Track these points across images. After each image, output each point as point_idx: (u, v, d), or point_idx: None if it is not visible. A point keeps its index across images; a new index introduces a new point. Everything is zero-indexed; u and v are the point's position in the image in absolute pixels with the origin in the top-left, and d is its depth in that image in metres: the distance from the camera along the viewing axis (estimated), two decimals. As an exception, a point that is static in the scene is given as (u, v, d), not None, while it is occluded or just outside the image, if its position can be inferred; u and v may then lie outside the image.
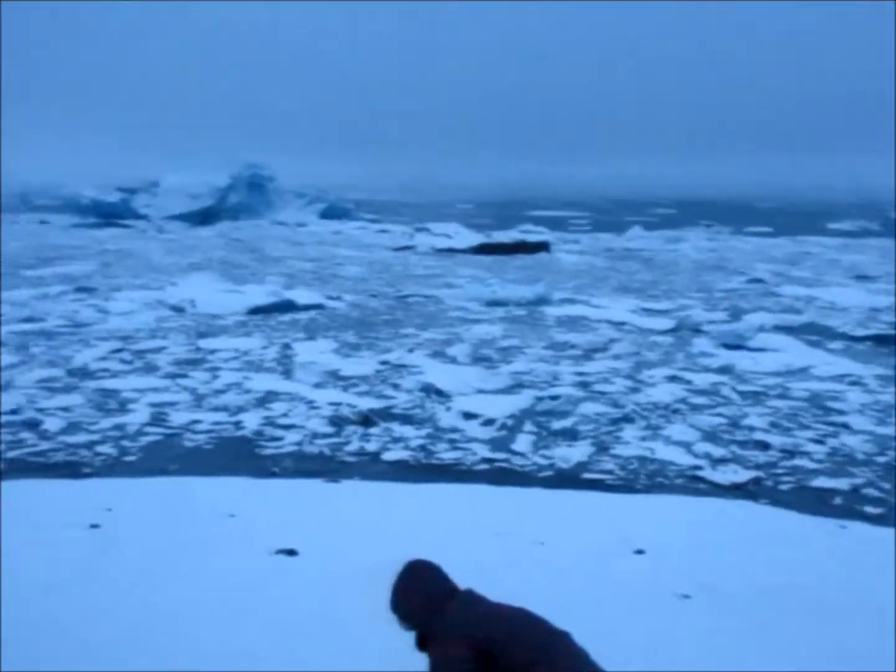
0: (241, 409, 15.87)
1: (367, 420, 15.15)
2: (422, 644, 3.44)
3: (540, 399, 16.70)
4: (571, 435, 14.58)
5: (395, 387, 17.68)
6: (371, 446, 13.82)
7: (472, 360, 20.31)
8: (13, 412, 15.37)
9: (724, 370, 19.63)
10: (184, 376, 18.32)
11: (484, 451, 13.65)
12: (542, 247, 51.13)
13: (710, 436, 14.59)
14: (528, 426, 15.04)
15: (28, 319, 24.80)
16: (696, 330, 24.81)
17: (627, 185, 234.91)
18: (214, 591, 5.82)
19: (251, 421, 15.13)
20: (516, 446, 13.91)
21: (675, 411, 16.10)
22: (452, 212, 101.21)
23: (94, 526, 7.70)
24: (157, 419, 15.20)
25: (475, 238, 52.44)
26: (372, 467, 12.81)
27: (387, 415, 15.63)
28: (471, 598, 3.45)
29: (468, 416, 15.56)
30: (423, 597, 3.44)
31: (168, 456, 13.31)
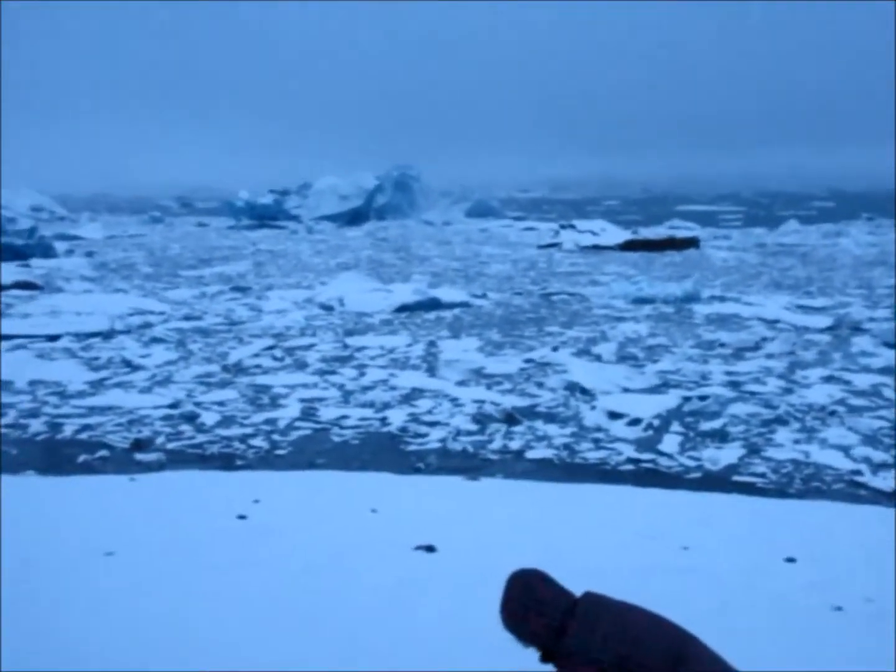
0: (386, 406, 16.10)
1: (510, 418, 15.10)
2: (547, 658, 3.25)
3: (688, 399, 16.25)
4: (721, 436, 14.11)
5: (540, 385, 17.57)
6: (514, 444, 13.77)
7: (618, 358, 19.97)
8: (173, 406, 16.10)
9: (886, 370, 18.59)
10: (332, 373, 18.75)
11: (629, 451, 13.38)
12: (692, 243, 49.86)
13: (871, 439, 13.84)
14: (676, 426, 14.65)
15: (187, 317, 25.95)
16: (856, 328, 23.61)
17: (782, 176, 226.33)
18: (354, 585, 5.89)
19: (396, 417, 15.33)
20: (663, 447, 13.57)
21: (833, 413, 15.35)
22: (599, 208, 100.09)
23: (242, 517, 7.96)
24: (307, 414, 15.61)
25: (622, 235, 51.64)
26: (515, 465, 12.75)
27: (531, 413, 15.55)
28: (593, 609, 3.23)
29: (613, 415, 15.29)
30: (543, 618, 3.16)
31: (316, 450, 13.64)
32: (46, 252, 44.62)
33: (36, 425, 14.96)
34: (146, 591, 5.76)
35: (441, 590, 5.81)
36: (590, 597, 3.23)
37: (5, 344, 21.80)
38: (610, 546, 7.18)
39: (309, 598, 5.59)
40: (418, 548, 6.86)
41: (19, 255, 43.14)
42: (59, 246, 47.92)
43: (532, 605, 3.17)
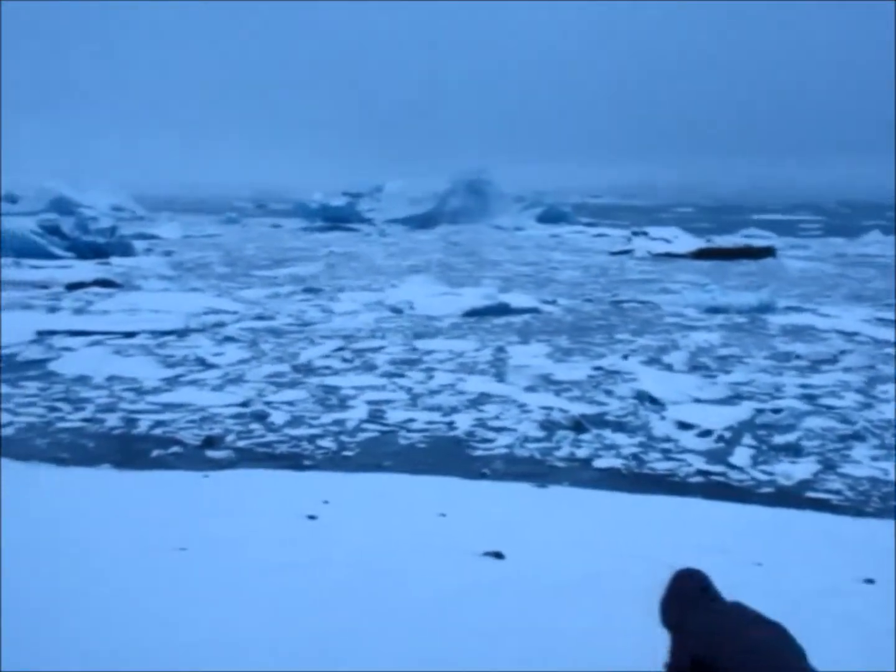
0: (454, 410, 16.10)
1: (578, 425, 14.98)
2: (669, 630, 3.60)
3: (761, 411, 15.92)
4: (795, 451, 13.78)
5: (609, 393, 17.39)
6: (582, 452, 13.65)
7: (689, 368, 19.66)
8: (244, 404, 16.33)
9: (972, 388, 17.97)
10: (400, 376, 18.83)
11: (699, 463, 13.15)
12: (768, 252, 48.92)
13: (954, 459, 13.37)
14: (748, 439, 14.36)
15: (260, 317, 26.33)
16: (939, 343, 22.87)
17: (865, 187, 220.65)
18: (422, 589, 5.89)
19: (463, 422, 15.32)
20: (734, 460, 13.31)
21: (913, 430, 14.88)
22: (672, 216, 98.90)
23: (312, 517, 8.03)
24: (375, 416, 15.69)
25: (695, 242, 50.89)
26: (582, 474, 12.63)
27: (599, 421, 15.39)
28: (722, 608, 3.42)
29: (683, 425, 15.05)
30: (679, 602, 3.46)
31: (383, 452, 13.70)
32: (126, 251, 45.70)
33: (112, 420, 15.31)
34: (218, 588, 5.83)
35: (509, 597, 5.77)
36: (736, 604, 3.46)
37: (84, 339, 22.37)
38: (680, 559, 7.05)
39: (378, 600, 5.60)
40: (486, 554, 6.84)
41: (100, 253, 44.28)
42: (139, 245, 49.04)
43: (676, 593, 3.54)
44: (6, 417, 15.37)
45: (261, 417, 15.51)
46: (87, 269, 37.92)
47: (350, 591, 5.76)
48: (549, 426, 15.04)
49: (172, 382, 18.13)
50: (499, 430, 14.89)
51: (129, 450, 13.79)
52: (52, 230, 45.78)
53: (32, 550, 6.77)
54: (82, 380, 18.21)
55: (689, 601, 3.49)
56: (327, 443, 14.14)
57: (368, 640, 4.99)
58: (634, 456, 13.49)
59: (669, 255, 47.97)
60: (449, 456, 13.55)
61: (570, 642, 5.11)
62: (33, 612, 5.29)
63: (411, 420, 15.43)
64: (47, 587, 5.75)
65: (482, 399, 16.90)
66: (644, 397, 16.85)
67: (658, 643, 3.68)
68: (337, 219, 75.40)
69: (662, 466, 13.02)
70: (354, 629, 5.11)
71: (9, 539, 7.15)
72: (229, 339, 22.85)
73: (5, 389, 17.34)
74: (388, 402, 16.68)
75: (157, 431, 14.71)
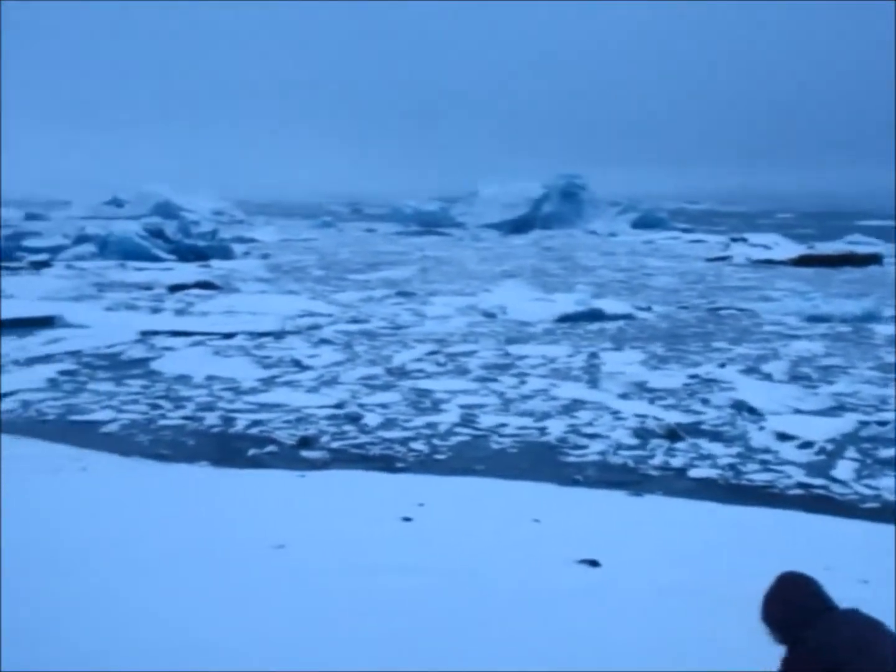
0: (546, 416, 16.00)
1: (673, 434, 14.72)
2: (782, 642, 3.43)
3: (865, 423, 15.39)
4: (901, 465, 13.27)
5: (705, 402, 17.04)
6: (676, 461, 13.40)
7: (789, 377, 19.13)
8: (338, 406, 16.54)
9: None
10: (493, 380, 18.81)
11: (799, 476, 12.78)
12: (873, 259, 47.30)
13: None
14: (851, 452, 13.89)
15: (354, 320, 26.65)
16: None
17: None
18: (518, 595, 5.86)
19: (556, 428, 15.21)
20: (836, 473, 12.89)
21: None
22: (772, 221, 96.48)
23: (407, 519, 8.07)
24: (467, 420, 15.70)
25: (796, 249, 49.55)
26: (677, 483, 12.41)
27: (694, 430, 15.10)
28: (843, 618, 3.29)
29: (783, 436, 14.65)
30: (790, 608, 3.36)
31: (475, 456, 13.70)
32: (225, 254, 46.83)
33: (211, 418, 15.69)
34: (315, 587, 5.91)
35: (605, 605, 5.69)
36: (854, 611, 3.33)
37: (185, 340, 22.99)
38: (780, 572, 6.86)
39: (475, 604, 5.59)
40: (582, 561, 6.76)
41: (201, 256, 45.48)
42: (237, 248, 50.17)
43: (785, 597, 3.43)
44: (111, 414, 15.90)
45: (354, 419, 15.68)
46: (188, 272, 38.99)
47: (446, 595, 5.75)
48: (642, 434, 14.82)
49: (269, 383, 18.48)
50: (592, 436, 14.74)
51: (227, 448, 14.11)
52: (156, 234, 47.25)
53: (134, 545, 6.97)
54: (183, 379, 18.71)
55: (804, 610, 3.35)
56: (420, 445, 14.22)
57: (465, 644, 4.98)
58: (731, 466, 13.18)
59: (769, 262, 46.78)
60: (541, 461, 13.47)
61: (666, 652, 5.02)
62: (135, 607, 5.43)
63: (503, 425, 15.39)
64: (148, 582, 5.90)
65: (575, 405, 16.76)
66: (742, 407, 16.46)
67: (761, 655, 3.58)
68: (430, 223, 75.84)
69: (761, 478, 12.70)
70: (450, 632, 5.10)
71: (111, 534, 7.37)
72: (324, 341, 23.18)
73: (111, 387, 17.94)
74: (480, 406, 16.68)
75: (254, 431, 15.01)
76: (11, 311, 25.98)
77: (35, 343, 22.27)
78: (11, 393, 17.25)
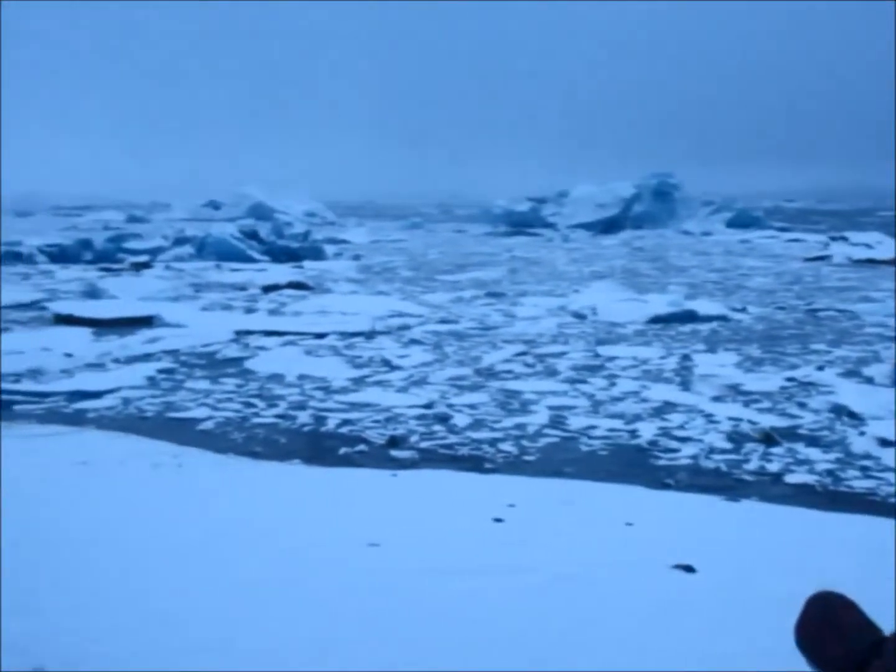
0: (637, 418, 15.79)
1: (769, 438, 14.35)
2: None
3: (974, 430, 14.74)
4: None
5: (802, 405, 16.58)
6: (772, 466, 13.06)
7: (892, 381, 18.45)
8: (427, 406, 16.61)
9: None
10: (582, 382, 18.64)
11: (903, 483, 12.31)
12: (982, 259, 45.31)
13: None
14: (959, 460, 13.32)
15: (443, 321, 26.74)
16: None
17: None
18: (611, 600, 5.79)
19: (646, 430, 15.00)
20: (943, 481, 12.38)
21: None
22: (873, 220, 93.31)
23: (498, 520, 8.06)
24: (556, 422, 15.60)
25: (900, 248, 47.80)
26: (772, 489, 12.08)
27: (791, 434, 14.70)
28: None
29: (886, 442, 14.12)
30: (842, 645, 2.92)
31: (564, 458, 13.60)
32: (317, 254, 47.52)
33: (302, 417, 15.94)
34: (409, 586, 5.93)
35: (701, 612, 5.58)
36: None
37: (278, 339, 23.41)
38: (884, 586, 6.62)
39: (569, 608, 5.54)
40: (677, 566, 6.64)
41: (294, 256, 46.26)
42: (329, 249, 50.82)
43: (831, 629, 2.89)
44: (206, 412, 16.29)
45: (443, 419, 15.73)
46: (281, 272, 39.69)
47: (540, 598, 5.72)
48: (737, 438, 14.50)
49: (359, 382, 18.68)
50: (684, 439, 14.48)
51: (318, 446, 14.31)
52: (251, 235, 48.25)
53: (229, 541, 7.11)
54: (275, 378, 19.05)
55: (860, 641, 2.87)
56: (508, 446, 14.18)
57: (561, 647, 4.94)
58: (830, 472, 12.79)
59: (871, 262, 45.22)
60: (631, 464, 13.29)
61: (766, 662, 4.89)
62: (231, 604, 5.53)
63: (593, 427, 15.25)
64: (241, 579, 6.00)
65: (666, 408, 16.49)
66: (841, 411, 15.95)
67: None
68: (520, 224, 75.59)
69: (861, 485, 12.28)
70: (545, 634, 5.06)
71: (207, 530, 7.54)
72: (414, 341, 23.32)
73: (206, 385, 18.39)
74: (569, 407, 16.55)
75: (344, 430, 15.19)
76: (113, 310, 26.90)
77: (135, 342, 22.96)
78: (113, 390, 17.82)
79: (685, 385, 18.34)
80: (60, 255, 45.03)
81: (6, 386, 17.97)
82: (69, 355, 21.05)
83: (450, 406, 16.64)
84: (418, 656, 4.74)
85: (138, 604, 5.32)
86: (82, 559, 6.54)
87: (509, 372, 19.67)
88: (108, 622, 5.00)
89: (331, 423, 15.54)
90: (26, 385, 18.19)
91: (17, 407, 16.66)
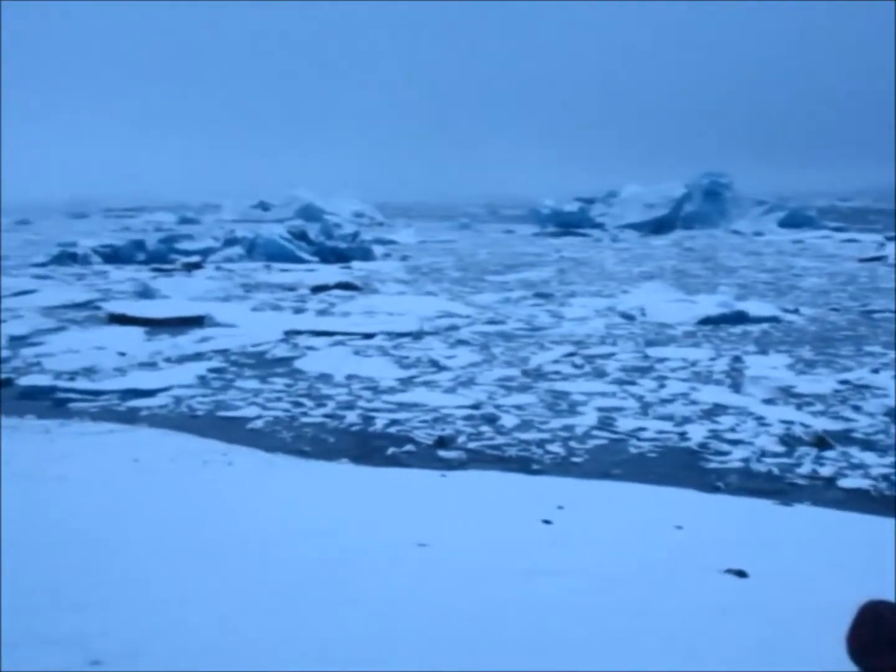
0: (686, 420, 15.63)
1: (822, 442, 14.11)
2: None
3: None
4: None
5: (856, 409, 16.28)
6: (825, 471, 12.84)
7: (950, 385, 18.05)
8: (474, 407, 16.60)
9: None
10: (631, 383, 18.50)
11: (962, 489, 12.03)
12: None
13: None
14: None
15: (491, 321, 26.71)
16: None
17: None
18: (661, 604, 5.72)
19: (696, 433, 14.84)
20: None
21: None
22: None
23: (547, 522, 8.02)
24: (604, 423, 15.50)
25: (958, 249, 46.73)
26: (825, 493, 11.88)
27: (844, 438, 14.44)
28: None
29: (943, 447, 13.83)
30: (893, 656, 2.84)
31: (613, 460, 13.50)
32: (366, 255, 47.73)
33: (351, 417, 16.03)
34: (458, 586, 5.93)
35: (753, 617, 5.50)
36: None
37: (327, 339, 23.56)
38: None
39: (621, 612, 5.50)
40: (728, 571, 6.56)
41: (342, 257, 46.53)
42: (377, 250, 51.03)
43: (882, 639, 2.82)
44: (256, 411, 16.45)
45: (491, 420, 15.71)
46: (330, 273, 39.94)
47: (590, 600, 5.68)
48: (788, 441, 14.28)
49: (407, 383, 18.72)
50: (734, 442, 14.31)
51: (366, 446, 14.37)
52: (300, 236, 48.65)
53: (278, 540, 7.16)
54: (324, 377, 19.18)
55: None
56: (556, 448, 14.12)
57: (609, 649, 4.90)
58: (885, 477, 12.53)
59: (928, 262, 44.27)
60: (681, 467, 13.16)
61: (812, 664, 4.81)
62: (276, 602, 5.57)
63: (642, 429, 15.12)
64: (291, 578, 6.05)
65: (717, 410, 16.30)
66: (897, 415, 15.64)
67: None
68: (569, 224, 75.24)
69: (918, 490, 12.02)
70: (593, 636, 5.03)
71: (256, 528, 7.60)
72: (461, 342, 23.33)
73: (256, 385, 18.57)
74: (618, 409, 16.44)
75: (392, 430, 15.23)
76: (165, 310, 27.30)
77: (187, 341, 23.26)
78: (165, 389, 18.07)
79: (736, 387, 18.12)
80: (114, 256, 45.80)
81: (62, 384, 18.33)
82: (122, 354, 21.40)
83: (497, 407, 16.62)
84: (467, 656, 4.74)
85: (191, 601, 5.38)
86: (135, 556, 6.63)
87: (557, 373, 19.59)
88: (163, 619, 5.06)
89: (379, 423, 15.60)
90: (81, 383, 18.52)
91: (72, 405, 16.98)
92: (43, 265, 43.76)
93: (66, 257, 44.74)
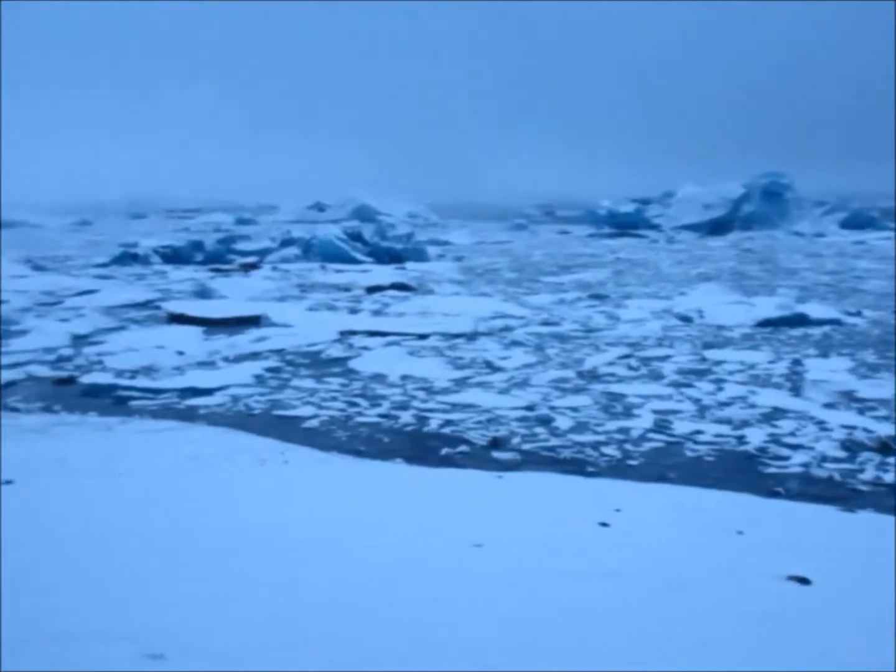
0: (744, 424, 15.39)
1: (885, 447, 13.80)
2: None
3: None
4: None
5: (922, 414, 15.89)
6: (890, 477, 12.55)
7: None
8: (529, 408, 16.54)
9: None
10: (688, 386, 18.28)
11: None
12: None
13: None
14: None
15: (546, 322, 26.61)
16: None
17: None
18: (727, 610, 5.62)
19: (755, 436, 14.60)
20: None
21: None
22: None
23: (604, 524, 7.96)
24: (660, 426, 15.33)
25: None
26: (889, 500, 11.61)
27: (910, 444, 14.09)
28: None
29: None
30: None
31: (669, 464, 13.35)
32: (420, 256, 47.91)
33: (405, 417, 16.06)
34: (514, 587, 5.90)
35: (816, 626, 5.38)
36: None
37: (381, 340, 23.66)
38: None
39: (673, 618, 5.42)
40: (791, 578, 6.44)
41: (397, 258, 46.77)
42: (432, 250, 51.22)
43: None
44: (311, 410, 16.57)
45: (545, 421, 15.64)
46: (384, 274, 40.15)
47: (649, 605, 5.60)
48: (851, 446, 13.98)
49: (461, 384, 18.72)
50: (794, 447, 14.05)
51: (420, 446, 14.39)
52: (355, 237, 49.03)
53: (333, 537, 7.19)
54: (378, 378, 19.26)
55: None
56: (611, 450, 14.00)
57: (668, 654, 4.84)
58: (952, 484, 12.21)
59: None
60: (739, 471, 12.95)
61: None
62: (334, 600, 5.59)
63: (699, 432, 14.93)
64: (347, 576, 6.06)
65: (776, 414, 16.03)
66: (964, 420, 15.24)
67: None
68: (625, 225, 74.80)
69: None
70: (652, 641, 4.97)
71: (310, 526, 7.64)
72: (516, 343, 23.26)
73: (311, 384, 18.71)
74: (674, 412, 16.25)
75: (446, 430, 15.24)
76: (223, 310, 27.67)
77: (244, 341, 23.54)
78: (222, 387, 18.31)
79: (796, 391, 17.81)
80: (173, 256, 46.60)
81: (123, 382, 18.66)
82: (181, 353, 21.73)
83: (552, 408, 16.53)
84: (523, 657, 4.71)
85: (248, 597, 5.42)
86: (191, 551, 6.71)
87: (612, 375, 19.43)
88: (220, 614, 5.11)
89: (433, 424, 15.61)
90: (141, 382, 18.84)
91: (132, 403, 17.28)
92: (104, 265, 44.72)
93: (127, 257, 45.65)
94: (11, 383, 18.97)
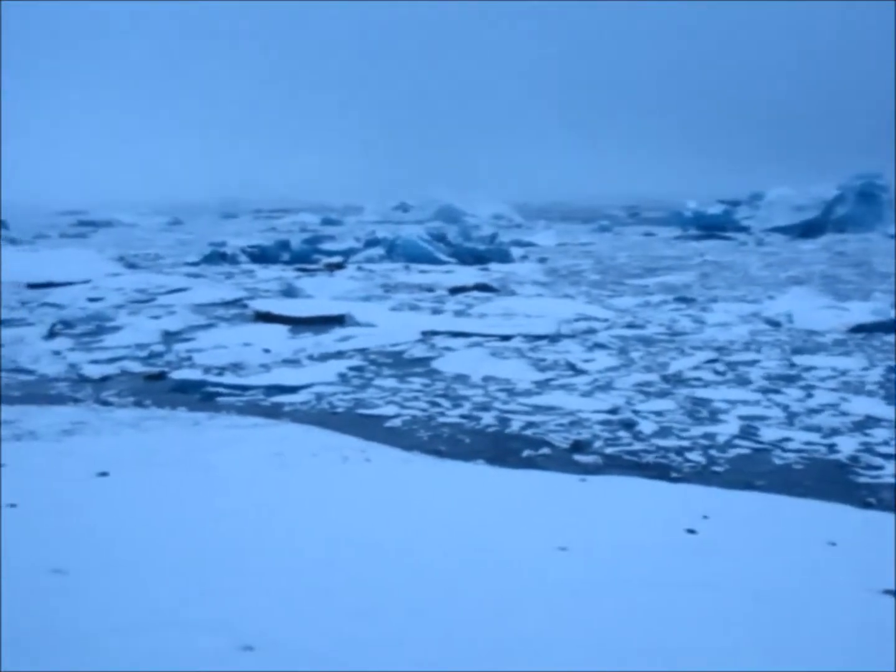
0: (835, 432, 14.97)
1: None
2: None
3: None
4: None
5: None
6: None
7: None
8: (612, 411, 16.36)
9: None
10: (776, 392, 17.86)
11: None
12: None
13: None
14: None
15: (630, 325, 26.29)
16: None
17: None
18: (821, 625, 5.49)
19: (846, 445, 14.18)
20: None
21: None
22: None
23: (691, 531, 7.85)
24: (747, 432, 15.02)
25: None
26: None
27: None
28: None
29: None
30: None
31: (756, 471, 13.06)
32: (504, 257, 47.80)
33: (487, 418, 16.05)
34: (599, 593, 5.86)
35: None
36: None
37: (464, 340, 23.70)
38: None
39: (763, 629, 5.32)
40: (886, 592, 6.27)
41: (480, 259, 46.74)
42: (515, 252, 51.05)
43: None
44: (394, 410, 16.69)
45: (628, 425, 15.46)
46: (468, 274, 40.20)
47: (739, 616, 5.50)
48: (950, 458, 13.47)
49: (543, 386, 18.63)
50: (888, 457, 13.60)
51: (502, 447, 14.36)
52: (439, 237, 49.21)
53: (416, 537, 7.23)
54: (461, 378, 19.29)
55: None
56: (696, 456, 13.76)
57: (757, 668, 4.74)
58: None
59: None
60: (829, 481, 12.60)
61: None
62: (414, 600, 5.62)
63: (787, 439, 14.57)
64: (430, 576, 6.09)
65: (869, 422, 15.54)
66: None
67: None
68: (712, 227, 73.42)
69: None
70: (742, 655, 4.87)
71: (393, 525, 7.70)
72: (599, 345, 23.04)
73: (394, 384, 18.85)
74: (761, 418, 15.90)
75: (528, 432, 15.18)
76: (308, 309, 28.08)
77: (328, 339, 23.83)
78: (307, 385, 18.57)
79: (890, 399, 17.24)
80: (261, 256, 47.45)
81: (211, 378, 19.09)
82: (267, 351, 22.13)
83: (635, 412, 16.33)
84: (606, 666, 4.66)
85: (332, 593, 5.50)
86: (275, 544, 6.83)
87: (698, 379, 19.10)
88: (307, 609, 5.19)
89: (514, 426, 15.57)
90: (229, 378, 19.24)
91: (220, 399, 17.66)
92: (195, 264, 45.82)
93: (217, 256, 46.69)
94: (106, 378, 19.59)
